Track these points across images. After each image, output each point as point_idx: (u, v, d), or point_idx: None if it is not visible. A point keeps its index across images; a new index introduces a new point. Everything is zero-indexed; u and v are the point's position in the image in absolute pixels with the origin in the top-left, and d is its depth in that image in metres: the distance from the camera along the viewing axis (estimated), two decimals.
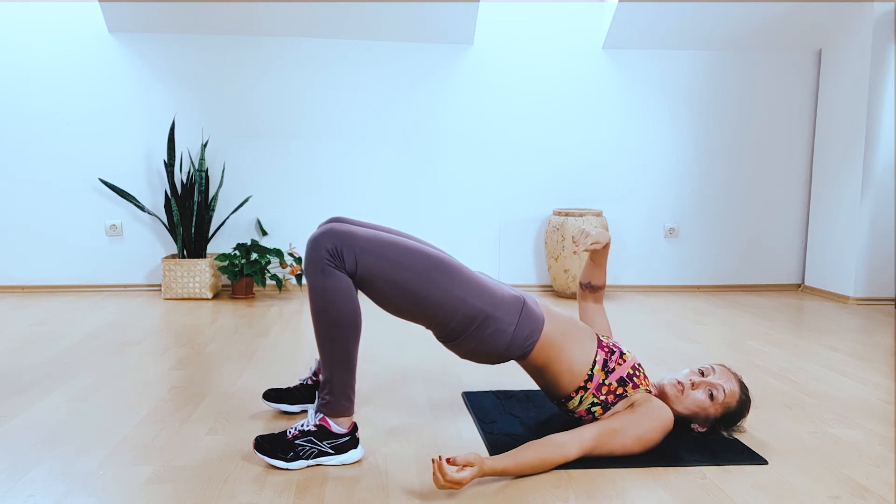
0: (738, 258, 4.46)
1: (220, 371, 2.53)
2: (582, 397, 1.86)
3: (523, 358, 1.86)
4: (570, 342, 1.86)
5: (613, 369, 1.87)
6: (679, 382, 1.90)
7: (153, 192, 4.07)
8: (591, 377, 1.85)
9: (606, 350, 1.89)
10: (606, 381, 1.86)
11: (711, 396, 1.87)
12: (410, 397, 2.29)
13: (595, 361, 1.86)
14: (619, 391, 1.86)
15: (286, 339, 3.02)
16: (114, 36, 3.94)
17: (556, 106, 4.23)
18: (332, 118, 4.11)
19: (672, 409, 1.90)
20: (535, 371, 1.90)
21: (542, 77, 4.20)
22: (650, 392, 1.91)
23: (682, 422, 1.93)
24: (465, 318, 1.75)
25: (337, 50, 4.06)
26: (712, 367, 1.92)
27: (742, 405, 1.89)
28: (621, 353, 1.91)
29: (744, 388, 1.91)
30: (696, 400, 1.88)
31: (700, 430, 1.91)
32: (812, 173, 4.41)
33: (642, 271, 4.40)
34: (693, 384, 1.89)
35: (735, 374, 1.92)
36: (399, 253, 1.71)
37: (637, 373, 1.90)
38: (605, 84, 4.24)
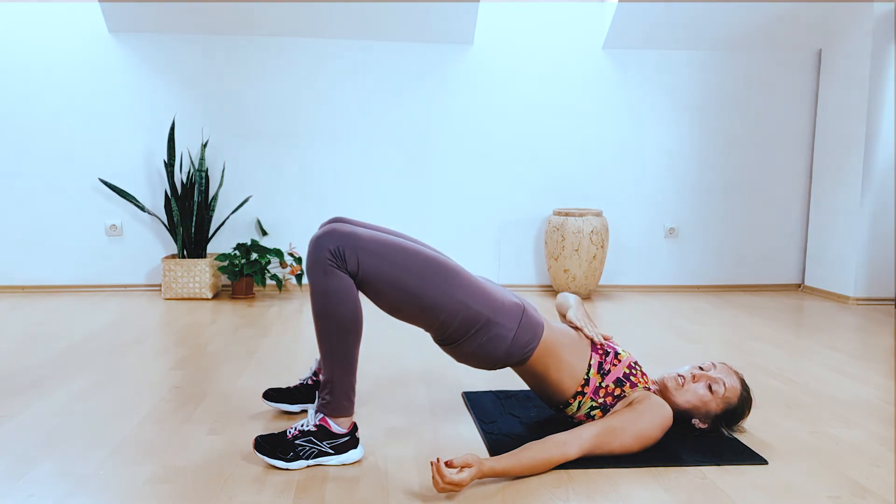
0: (738, 258, 4.46)
1: (220, 371, 2.53)
2: (580, 402, 1.87)
3: (521, 364, 1.86)
4: (565, 348, 1.86)
5: (609, 371, 1.87)
6: (680, 375, 1.92)
7: (153, 192, 4.07)
8: (587, 381, 1.86)
9: (601, 352, 1.90)
10: (603, 384, 1.86)
11: (711, 390, 1.88)
12: (410, 397, 2.29)
13: (590, 365, 1.87)
14: (617, 392, 1.87)
15: (286, 339, 3.02)
16: (114, 36, 3.94)
17: (556, 106, 4.23)
18: (332, 118, 4.11)
19: (672, 402, 1.90)
20: (533, 378, 1.90)
21: (541, 77, 4.20)
22: (649, 389, 1.91)
23: (683, 418, 1.93)
24: (465, 322, 1.75)
25: (337, 50, 4.06)
26: (713, 364, 1.93)
27: (743, 402, 1.90)
28: (616, 354, 1.91)
29: (745, 386, 1.92)
30: (697, 393, 1.89)
31: (701, 426, 1.91)
32: (812, 173, 4.41)
33: (642, 271, 4.40)
34: (694, 377, 1.90)
35: (736, 372, 1.93)
36: (401, 255, 1.71)
37: (634, 371, 1.90)
38: (605, 84, 4.24)
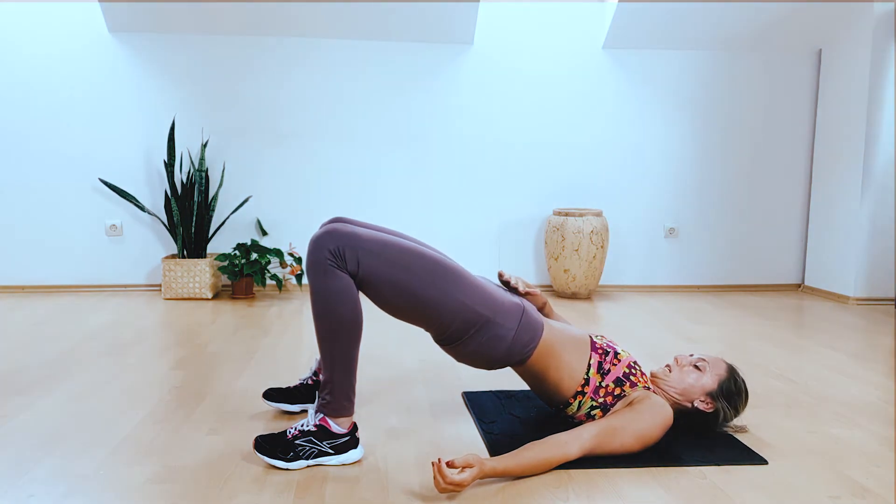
0: (738, 258, 4.46)
1: (220, 371, 2.53)
2: (580, 402, 1.87)
3: (521, 364, 1.86)
4: (565, 348, 1.87)
5: (609, 370, 1.88)
6: (666, 365, 1.99)
7: (153, 192, 4.07)
8: (587, 381, 1.86)
9: (601, 352, 1.90)
10: (603, 384, 1.86)
11: (698, 367, 1.93)
12: (410, 397, 2.29)
13: (590, 365, 1.87)
14: (617, 391, 1.87)
15: (286, 339, 3.02)
16: (114, 36, 3.94)
17: (556, 106, 4.23)
18: (332, 118, 4.11)
19: (668, 390, 1.92)
20: (533, 377, 1.90)
21: (541, 77, 4.20)
22: (649, 389, 1.92)
23: (685, 409, 1.93)
24: (465, 322, 1.75)
25: (337, 50, 4.06)
26: (690, 355, 2.01)
27: (732, 374, 1.94)
28: (616, 353, 1.92)
29: (729, 364, 1.97)
30: (686, 374, 1.93)
31: (705, 407, 1.90)
32: (812, 173, 4.41)
33: (642, 271, 4.40)
34: (678, 361, 1.97)
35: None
36: (401, 255, 1.71)
37: (634, 371, 1.91)
38: (605, 84, 4.24)
